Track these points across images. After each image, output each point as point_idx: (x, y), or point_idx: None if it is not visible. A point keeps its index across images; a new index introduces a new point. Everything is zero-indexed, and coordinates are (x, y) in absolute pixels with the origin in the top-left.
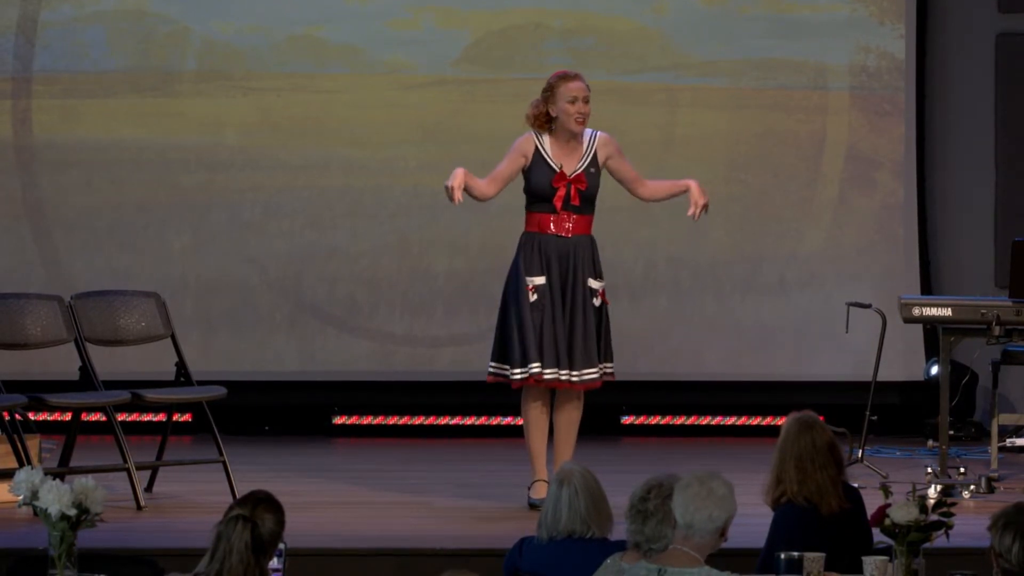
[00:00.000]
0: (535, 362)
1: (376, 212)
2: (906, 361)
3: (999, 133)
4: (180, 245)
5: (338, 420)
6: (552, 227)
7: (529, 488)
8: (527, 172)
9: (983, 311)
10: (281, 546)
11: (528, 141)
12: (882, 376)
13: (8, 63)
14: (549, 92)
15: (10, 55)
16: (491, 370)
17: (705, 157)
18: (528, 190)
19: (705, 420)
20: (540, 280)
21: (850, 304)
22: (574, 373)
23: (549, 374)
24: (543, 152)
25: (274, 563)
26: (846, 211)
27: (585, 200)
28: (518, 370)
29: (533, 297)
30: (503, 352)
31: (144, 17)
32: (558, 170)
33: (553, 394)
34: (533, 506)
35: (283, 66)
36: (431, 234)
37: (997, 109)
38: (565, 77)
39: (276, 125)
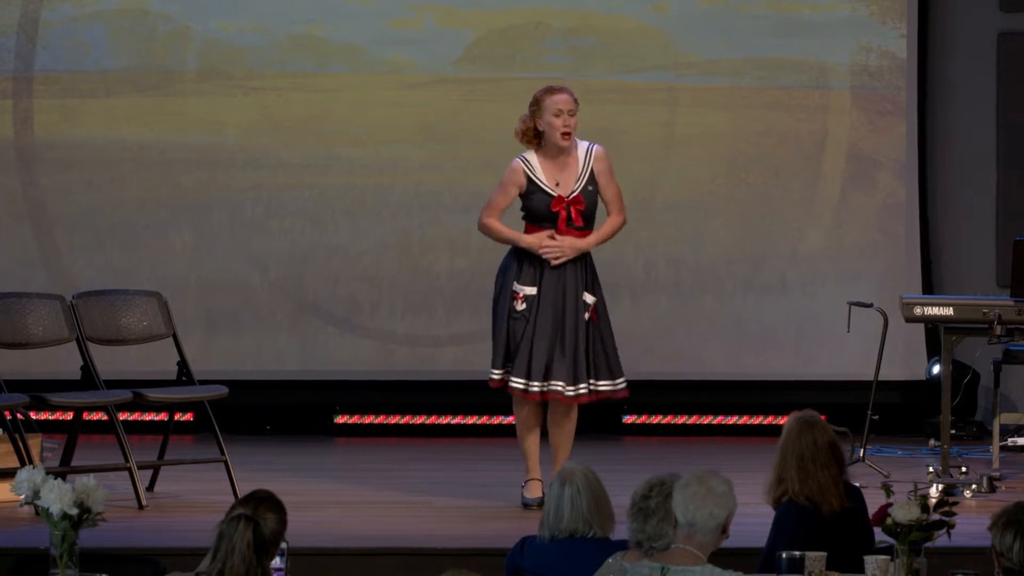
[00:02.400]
0: (498, 369)
1: (377, 211)
2: (907, 360)
3: (1000, 132)
4: (181, 244)
5: (339, 419)
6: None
7: (523, 487)
8: (524, 199)
9: (985, 310)
10: (283, 545)
11: (518, 172)
12: (884, 375)
13: (9, 62)
14: (536, 106)
15: (11, 54)
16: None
17: (706, 156)
18: (527, 216)
19: (706, 419)
20: (531, 291)
21: (851, 303)
22: (555, 384)
23: (518, 383)
24: (535, 179)
25: (276, 562)
26: (847, 210)
27: (586, 218)
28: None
29: (522, 306)
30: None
31: (145, 16)
32: (555, 194)
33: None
34: (527, 505)
35: (284, 65)
36: (432, 233)
37: (998, 108)
38: (550, 90)
39: (277, 124)
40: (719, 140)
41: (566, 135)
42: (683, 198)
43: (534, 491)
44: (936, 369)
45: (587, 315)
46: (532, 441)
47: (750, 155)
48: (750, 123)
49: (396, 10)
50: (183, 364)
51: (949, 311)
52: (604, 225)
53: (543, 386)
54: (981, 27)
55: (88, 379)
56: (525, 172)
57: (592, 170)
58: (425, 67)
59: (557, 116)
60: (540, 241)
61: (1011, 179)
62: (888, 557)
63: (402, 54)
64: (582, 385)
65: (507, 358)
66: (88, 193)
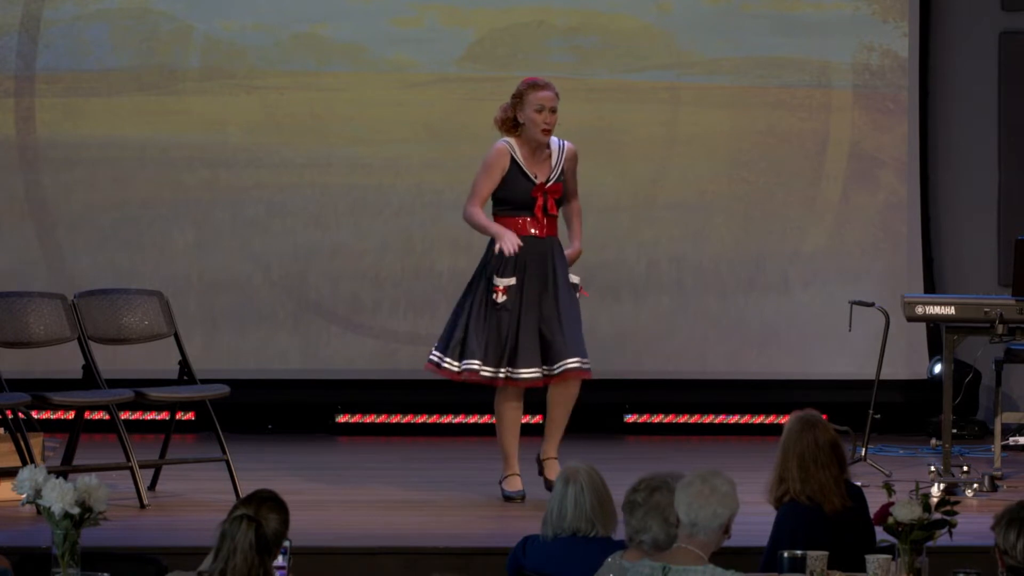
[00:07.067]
0: (488, 366)
1: (380, 210)
2: (909, 359)
3: (1002, 131)
4: (183, 243)
5: (341, 418)
6: (529, 229)
7: (502, 482)
8: (502, 184)
9: (986, 309)
10: (286, 544)
11: (503, 155)
12: (885, 374)
13: (11, 61)
14: (518, 99)
15: (13, 53)
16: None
17: (708, 155)
18: (502, 198)
19: (708, 419)
20: (511, 281)
21: (853, 302)
22: (556, 366)
23: (526, 374)
24: (519, 162)
25: (279, 561)
26: (849, 209)
27: (557, 206)
28: (453, 362)
29: (503, 299)
30: (446, 342)
31: (147, 15)
32: (536, 181)
33: (527, 392)
34: (509, 498)
35: (286, 64)
36: (434, 232)
37: (1000, 107)
38: (535, 85)
39: (279, 123)
40: (721, 139)
41: (546, 131)
42: (685, 197)
43: (516, 484)
44: (938, 368)
45: (579, 294)
46: (512, 438)
47: (752, 154)
48: (752, 122)
49: (398, 9)
50: (185, 363)
51: (951, 310)
52: (576, 225)
53: (549, 369)
54: (983, 26)
55: (90, 378)
56: (510, 153)
57: (564, 165)
58: (427, 66)
59: (539, 112)
60: (512, 236)
61: (1013, 178)
62: (890, 556)
63: (404, 53)
64: (585, 357)
65: (499, 353)
66: (90, 192)
